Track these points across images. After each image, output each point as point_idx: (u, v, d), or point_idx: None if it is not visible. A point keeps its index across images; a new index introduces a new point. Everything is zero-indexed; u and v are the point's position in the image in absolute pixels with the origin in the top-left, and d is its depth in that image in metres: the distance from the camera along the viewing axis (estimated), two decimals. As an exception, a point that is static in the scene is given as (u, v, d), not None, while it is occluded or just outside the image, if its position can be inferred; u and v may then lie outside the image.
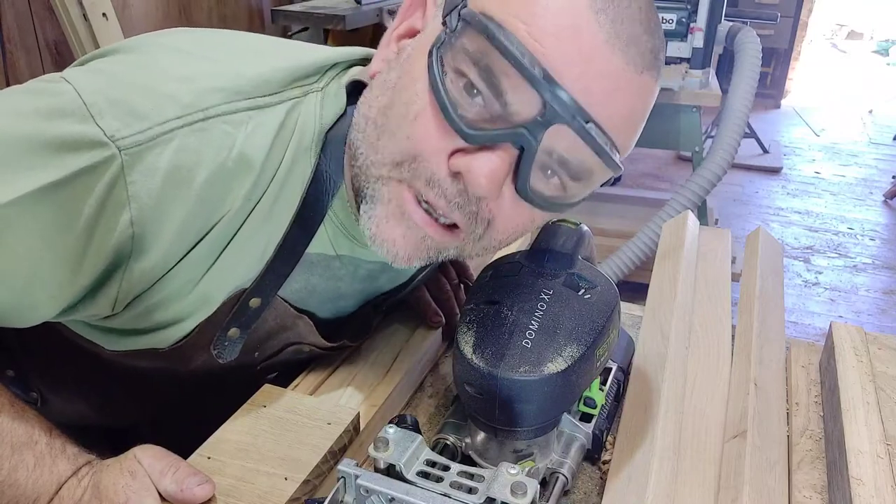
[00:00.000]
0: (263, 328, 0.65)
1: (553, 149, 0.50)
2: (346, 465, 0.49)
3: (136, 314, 0.58)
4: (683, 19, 2.35)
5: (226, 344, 0.62)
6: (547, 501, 0.57)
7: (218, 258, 0.57)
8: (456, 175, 0.51)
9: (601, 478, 0.63)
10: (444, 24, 0.50)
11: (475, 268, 0.88)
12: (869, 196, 3.84)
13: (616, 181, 3.78)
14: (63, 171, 0.48)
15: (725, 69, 3.33)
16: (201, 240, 0.55)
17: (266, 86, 0.55)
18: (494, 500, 0.46)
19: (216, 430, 0.62)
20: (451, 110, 0.48)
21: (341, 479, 0.50)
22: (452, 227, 0.54)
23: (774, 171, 4.09)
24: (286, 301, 0.64)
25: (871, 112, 5.23)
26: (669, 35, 2.39)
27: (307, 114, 0.57)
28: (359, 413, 0.63)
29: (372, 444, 0.50)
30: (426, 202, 0.52)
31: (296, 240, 0.59)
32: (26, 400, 0.75)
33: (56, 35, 1.86)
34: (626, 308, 0.90)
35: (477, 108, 0.49)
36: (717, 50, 2.46)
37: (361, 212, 0.56)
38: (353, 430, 0.62)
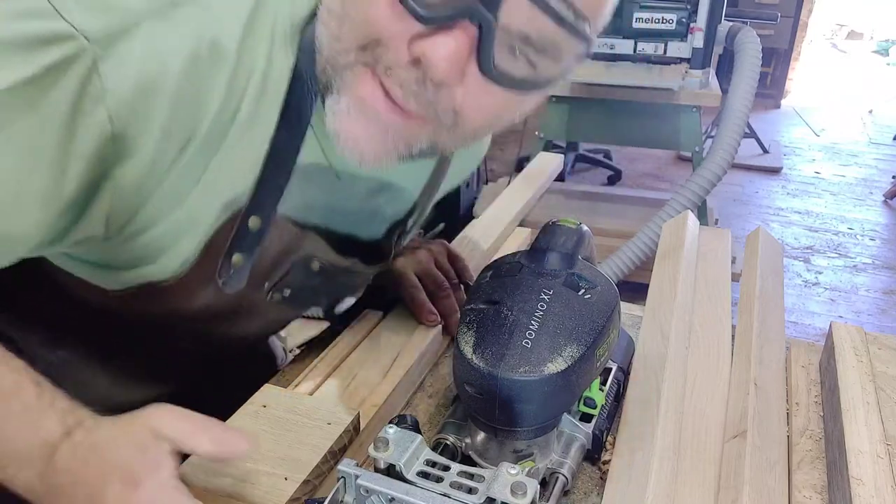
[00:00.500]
0: (268, 254, 0.62)
1: (512, 24, 0.48)
2: (345, 465, 0.49)
3: (131, 236, 0.56)
4: (683, 19, 2.36)
5: (231, 272, 0.60)
6: (547, 501, 0.57)
7: (207, 168, 0.55)
8: (416, 62, 0.49)
9: (601, 478, 0.63)
10: None
11: (475, 269, 0.88)
12: (869, 196, 3.84)
13: (616, 181, 3.79)
14: (33, 67, 0.46)
15: (725, 69, 3.33)
16: (187, 145, 0.53)
17: None
18: (494, 500, 0.46)
19: (229, 404, 0.61)
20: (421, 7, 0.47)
21: (341, 479, 0.50)
22: (418, 115, 0.52)
23: (774, 171, 4.09)
24: (287, 218, 0.62)
25: (871, 112, 5.23)
26: (669, 35, 2.40)
27: (279, 3, 0.55)
28: (359, 413, 0.63)
29: (372, 445, 0.50)
30: (389, 89, 0.51)
31: (285, 145, 0.57)
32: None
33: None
34: (626, 308, 0.90)
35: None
36: (717, 50, 2.47)
37: (326, 108, 0.53)
38: (353, 430, 0.62)
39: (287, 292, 0.67)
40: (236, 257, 0.60)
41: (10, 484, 0.48)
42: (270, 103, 0.56)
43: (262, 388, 0.66)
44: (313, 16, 0.56)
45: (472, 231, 1.04)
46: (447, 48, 0.48)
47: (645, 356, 0.74)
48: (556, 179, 1.44)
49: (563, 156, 1.40)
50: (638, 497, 0.55)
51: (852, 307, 2.75)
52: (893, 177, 3.94)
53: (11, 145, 0.47)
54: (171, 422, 0.49)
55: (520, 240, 1.09)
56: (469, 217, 1.42)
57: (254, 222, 0.58)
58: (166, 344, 0.71)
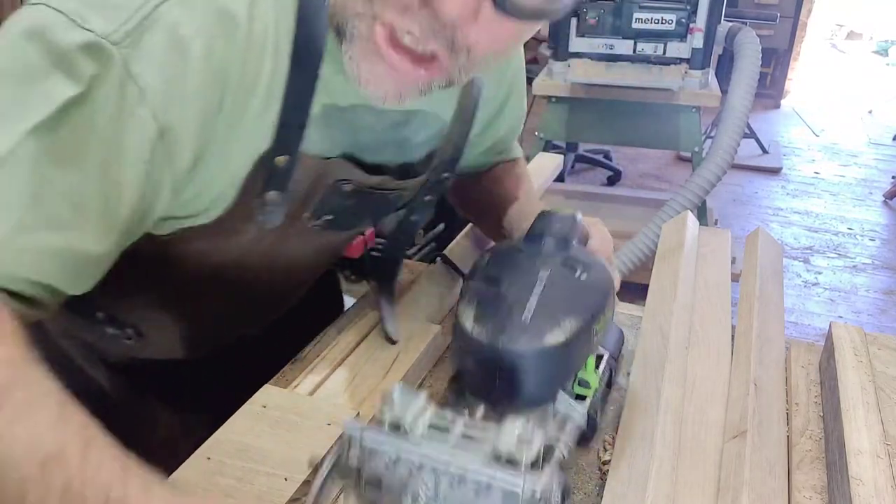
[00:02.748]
0: (300, 187, 0.63)
1: None
2: (350, 424, 0.48)
3: (178, 202, 0.58)
4: (683, 19, 2.36)
5: (267, 209, 0.62)
6: (542, 469, 0.58)
7: (241, 124, 0.56)
8: (425, 3, 0.49)
9: (601, 478, 0.63)
10: None
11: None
12: (868, 196, 3.84)
13: (616, 181, 3.79)
14: (73, 84, 0.47)
15: (725, 69, 3.33)
16: (219, 113, 0.54)
17: None
18: (500, 454, 0.46)
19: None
20: None
21: (347, 438, 0.49)
22: (432, 58, 0.53)
23: (774, 171, 4.09)
24: (313, 155, 0.63)
25: (870, 112, 5.24)
26: (669, 35, 2.39)
27: None
28: (359, 413, 0.63)
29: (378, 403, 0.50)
30: (400, 38, 0.51)
31: (299, 84, 0.58)
32: (121, 341, 0.75)
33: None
34: (626, 308, 0.90)
35: None
36: (717, 50, 2.47)
37: (343, 51, 0.54)
38: (353, 430, 0.62)
39: (328, 218, 0.68)
40: (270, 195, 0.61)
41: None
42: (283, 52, 0.56)
43: (262, 389, 0.66)
44: None
45: (471, 231, 1.04)
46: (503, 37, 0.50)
47: (645, 356, 0.74)
48: (556, 180, 1.44)
49: (562, 156, 1.40)
50: (638, 497, 0.55)
51: (852, 307, 2.75)
52: (893, 177, 3.94)
53: (69, 164, 0.48)
54: None
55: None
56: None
57: (280, 160, 0.59)
58: (229, 286, 0.72)
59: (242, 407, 0.64)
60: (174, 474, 0.56)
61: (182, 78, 0.50)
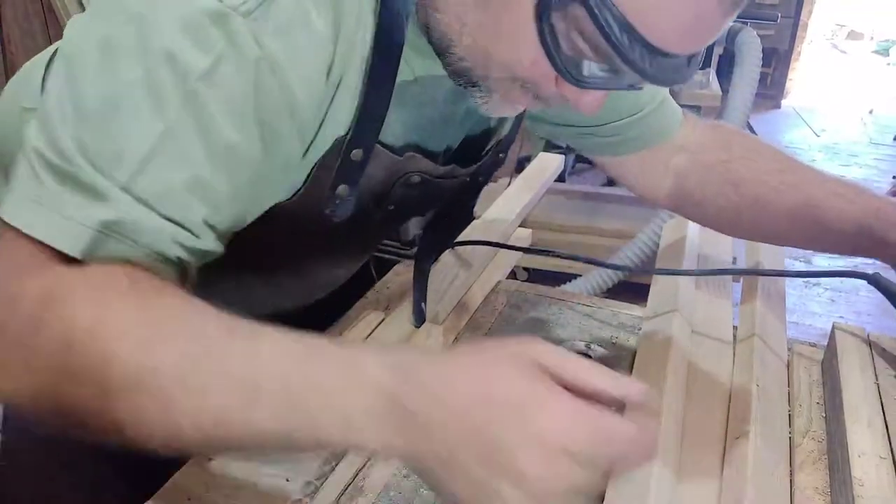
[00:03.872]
0: (371, 182, 0.63)
1: None
2: None
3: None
4: (684, 19, 2.35)
5: (337, 202, 0.62)
6: None
7: (331, 104, 0.56)
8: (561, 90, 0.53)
9: (601, 478, 0.63)
10: None
11: (476, 269, 0.87)
12: (869, 196, 3.84)
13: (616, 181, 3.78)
14: (209, 55, 0.46)
15: (725, 69, 3.32)
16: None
17: None
18: None
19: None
20: (567, 72, 0.50)
21: None
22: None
23: (775, 171, 4.09)
24: (385, 145, 0.63)
25: (871, 112, 5.23)
26: (670, 35, 2.39)
27: None
28: (360, 414, 0.63)
29: None
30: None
31: (381, 72, 0.57)
32: None
33: (57, 35, 1.86)
34: (627, 308, 0.90)
35: (587, 67, 0.51)
36: (717, 50, 2.47)
37: (470, 92, 0.57)
38: (355, 431, 0.62)
39: (391, 208, 0.69)
40: (341, 188, 0.61)
41: (358, 449, 0.45)
42: (365, 32, 0.55)
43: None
44: None
45: (472, 231, 1.04)
46: (598, 102, 0.53)
47: (645, 356, 0.74)
48: (557, 180, 1.44)
49: (563, 156, 1.39)
50: (639, 499, 0.55)
51: (853, 307, 2.75)
52: (894, 177, 3.94)
53: (209, 134, 0.47)
54: (548, 353, 0.41)
55: (520, 240, 1.09)
56: (469, 217, 1.41)
57: (356, 154, 0.59)
58: (285, 263, 0.73)
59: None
60: (173, 477, 0.56)
61: (298, 48, 0.50)
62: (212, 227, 0.50)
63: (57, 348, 0.42)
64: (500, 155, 0.76)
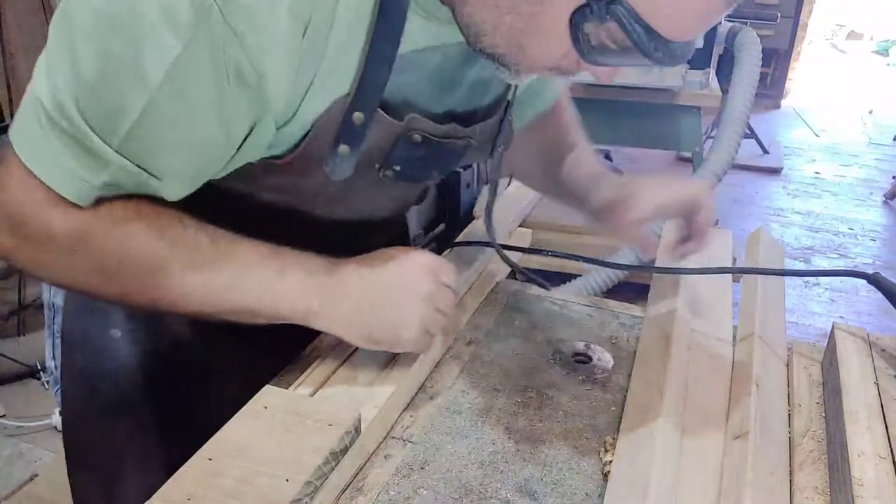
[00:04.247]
0: (371, 142, 0.65)
1: None
2: None
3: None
4: (684, 20, 2.35)
5: (337, 161, 0.64)
6: None
7: (317, 73, 0.58)
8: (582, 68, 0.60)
9: (602, 479, 0.63)
10: None
11: (476, 269, 0.87)
12: (869, 196, 3.84)
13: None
14: (182, 37, 0.50)
15: (725, 69, 3.33)
16: (302, 59, 0.56)
17: None
18: None
19: None
20: (593, 61, 0.58)
21: None
22: None
23: (775, 171, 4.09)
24: (387, 106, 0.64)
25: (871, 112, 5.24)
26: (670, 35, 2.39)
27: None
28: (360, 414, 0.63)
29: None
30: None
31: (384, 39, 0.59)
32: None
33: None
34: (627, 308, 0.90)
35: (609, 55, 0.57)
36: (717, 50, 2.46)
37: (497, 67, 0.62)
38: (355, 431, 0.62)
39: (396, 168, 0.70)
40: (342, 148, 0.63)
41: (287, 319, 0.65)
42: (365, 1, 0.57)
43: (263, 389, 0.66)
44: None
45: (472, 231, 1.04)
46: (612, 71, 0.61)
47: (645, 357, 0.74)
48: (557, 180, 1.44)
49: (563, 156, 1.40)
50: (639, 499, 0.55)
51: (853, 308, 2.75)
52: (894, 177, 3.94)
53: (182, 108, 0.54)
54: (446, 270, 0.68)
55: (521, 240, 1.09)
56: (469, 217, 1.42)
57: (357, 118, 0.62)
58: (300, 224, 0.74)
59: (244, 408, 0.64)
60: (173, 476, 0.56)
61: (270, 24, 0.52)
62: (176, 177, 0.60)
63: (92, 268, 0.60)
64: (509, 117, 0.78)
